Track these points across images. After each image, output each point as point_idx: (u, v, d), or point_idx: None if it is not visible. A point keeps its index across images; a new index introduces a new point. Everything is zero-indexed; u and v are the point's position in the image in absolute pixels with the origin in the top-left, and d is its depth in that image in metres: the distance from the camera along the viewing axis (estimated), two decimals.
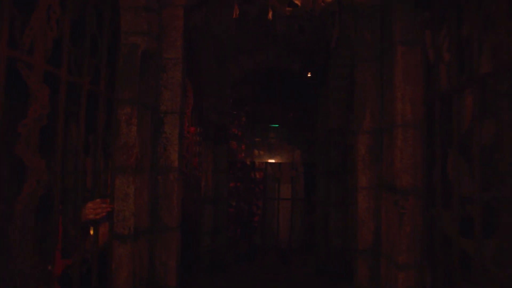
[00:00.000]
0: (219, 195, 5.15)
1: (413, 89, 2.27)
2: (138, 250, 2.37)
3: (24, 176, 1.46)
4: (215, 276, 4.78)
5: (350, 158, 5.06)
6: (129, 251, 2.25)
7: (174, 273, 2.61)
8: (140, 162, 2.36)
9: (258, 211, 6.38)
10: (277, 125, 7.25)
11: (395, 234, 2.24)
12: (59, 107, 1.70)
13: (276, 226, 5.48)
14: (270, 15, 3.25)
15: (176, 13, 2.64)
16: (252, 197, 6.69)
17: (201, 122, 4.92)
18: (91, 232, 2.05)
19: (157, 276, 2.60)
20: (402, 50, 2.29)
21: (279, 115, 6.60)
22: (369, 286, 2.57)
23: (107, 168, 2.37)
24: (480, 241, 1.70)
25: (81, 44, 1.93)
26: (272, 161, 6.01)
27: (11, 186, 1.65)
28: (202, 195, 4.82)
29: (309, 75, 5.01)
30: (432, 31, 2.20)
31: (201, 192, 4.82)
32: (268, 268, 5.25)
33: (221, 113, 5.30)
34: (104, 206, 1.95)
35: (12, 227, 1.44)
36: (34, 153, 1.47)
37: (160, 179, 2.64)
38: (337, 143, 4.98)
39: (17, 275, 1.47)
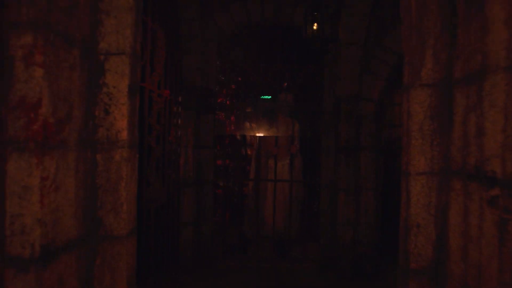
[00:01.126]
0: (203, 176, 4.20)
1: None
2: (56, 279, 1.42)
3: None
4: (198, 277, 3.89)
5: (364, 131, 4.14)
6: (32, 284, 1.31)
7: None
8: (55, 131, 1.39)
9: (251, 193, 5.44)
10: (269, 97, 6.21)
11: (488, 255, 1.32)
12: None
13: (272, 212, 4.57)
14: None
15: None
16: (243, 176, 5.78)
17: (179, 86, 3.91)
18: None
19: None
20: None
21: (276, 82, 5.58)
22: None
23: None
24: None
25: None
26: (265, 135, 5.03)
27: None
28: (181, 176, 3.87)
29: (314, 27, 3.99)
30: None
31: (179, 172, 3.87)
32: (263, 262, 4.37)
33: (206, 75, 4.29)
34: None
35: None
36: None
37: (99, 160, 1.67)
38: (349, 113, 4.02)
39: None
